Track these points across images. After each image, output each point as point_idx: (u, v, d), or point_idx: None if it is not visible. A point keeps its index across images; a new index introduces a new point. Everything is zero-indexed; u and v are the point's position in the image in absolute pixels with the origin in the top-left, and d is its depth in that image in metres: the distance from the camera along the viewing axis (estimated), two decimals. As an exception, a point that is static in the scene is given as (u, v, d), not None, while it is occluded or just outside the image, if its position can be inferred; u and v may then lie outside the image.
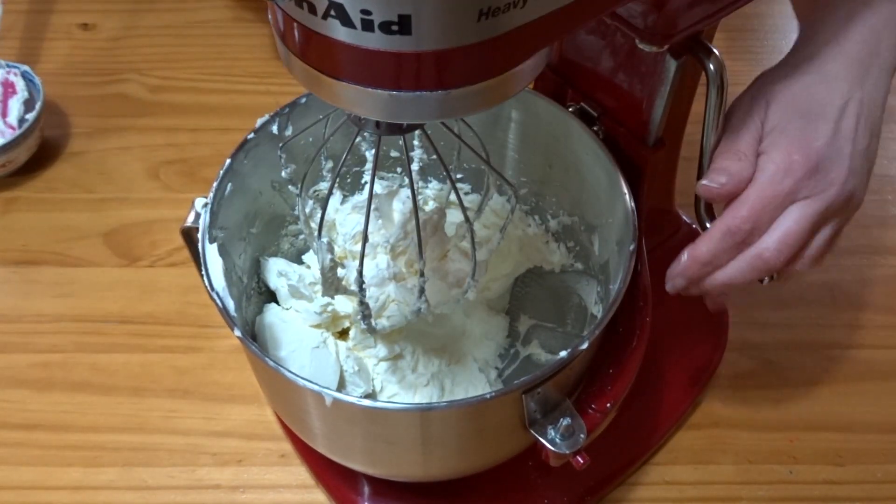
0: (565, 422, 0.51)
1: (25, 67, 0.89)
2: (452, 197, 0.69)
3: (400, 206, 0.64)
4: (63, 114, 0.93)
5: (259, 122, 0.61)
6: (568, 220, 0.68)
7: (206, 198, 0.57)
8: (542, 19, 0.37)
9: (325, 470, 0.67)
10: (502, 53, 0.37)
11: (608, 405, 0.53)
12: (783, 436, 0.70)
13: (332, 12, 0.35)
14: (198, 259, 0.55)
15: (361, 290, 0.54)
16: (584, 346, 0.50)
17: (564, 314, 0.70)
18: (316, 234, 0.58)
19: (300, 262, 0.70)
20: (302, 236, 0.70)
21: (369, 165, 0.69)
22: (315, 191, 0.67)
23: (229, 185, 0.59)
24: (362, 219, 0.62)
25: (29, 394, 0.72)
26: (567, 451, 0.51)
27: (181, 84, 0.97)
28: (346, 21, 0.35)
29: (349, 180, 0.70)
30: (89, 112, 0.94)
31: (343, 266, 0.59)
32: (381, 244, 0.62)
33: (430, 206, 0.72)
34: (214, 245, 0.55)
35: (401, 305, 0.61)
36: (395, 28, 0.34)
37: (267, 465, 0.69)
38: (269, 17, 0.39)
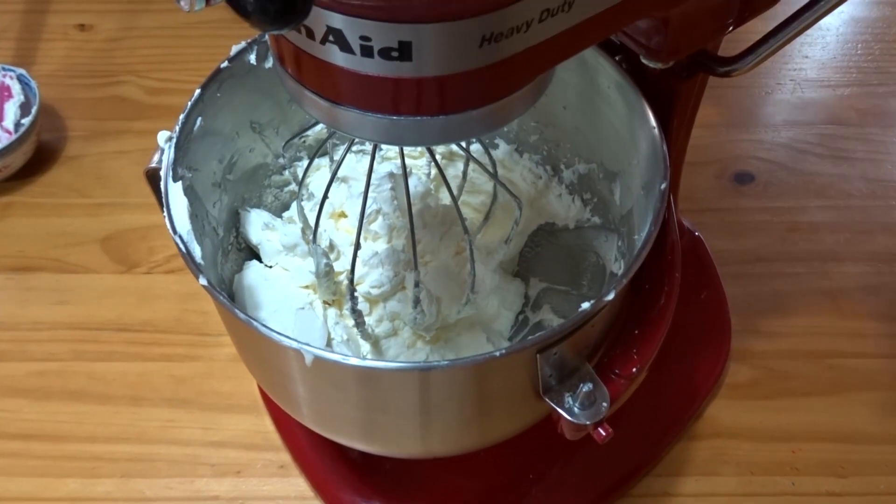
0: (585, 388, 0.45)
1: (21, 71, 0.88)
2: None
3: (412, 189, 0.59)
4: (59, 117, 0.92)
5: (234, 49, 0.54)
6: (584, 167, 0.63)
7: (171, 132, 0.51)
8: (546, 43, 0.36)
9: (324, 481, 0.66)
10: (505, 77, 0.36)
11: (634, 370, 0.47)
12: (785, 447, 0.69)
13: (331, 37, 0.34)
14: (161, 200, 0.49)
15: (353, 298, 0.53)
16: (611, 296, 0.44)
17: (579, 275, 0.65)
18: (311, 237, 0.55)
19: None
20: (287, 189, 0.66)
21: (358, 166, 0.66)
22: (302, 137, 0.63)
23: (199, 119, 0.53)
24: (371, 200, 0.58)
25: (26, 403, 0.72)
26: (587, 422, 0.45)
27: (179, 86, 0.96)
28: (345, 47, 0.34)
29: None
30: (86, 115, 0.93)
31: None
32: (389, 231, 0.58)
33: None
34: (179, 183, 0.50)
35: (401, 313, 0.59)
36: (394, 54, 0.34)
37: (266, 477, 0.68)
38: (268, 39, 0.39)
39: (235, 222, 0.62)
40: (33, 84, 0.87)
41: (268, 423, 0.70)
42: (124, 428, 0.71)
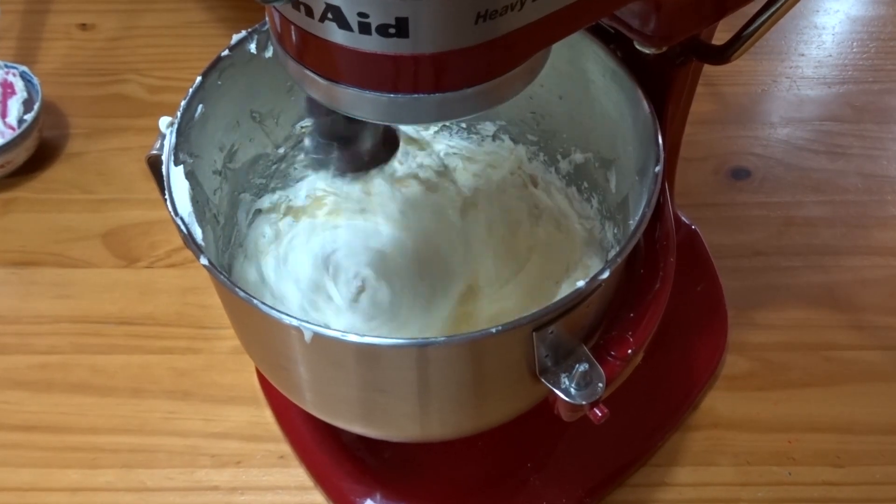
0: (581, 368, 0.46)
1: (24, 68, 0.89)
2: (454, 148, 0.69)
3: None
4: (62, 114, 0.93)
5: (235, 38, 0.55)
6: (581, 157, 0.64)
7: (173, 118, 0.52)
8: (540, 22, 0.36)
9: (323, 471, 0.67)
10: (500, 56, 0.37)
11: (629, 351, 0.48)
12: (782, 437, 0.70)
13: (329, 15, 0.34)
14: (162, 185, 0.50)
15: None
16: (606, 275, 0.45)
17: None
18: None
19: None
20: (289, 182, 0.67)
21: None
22: (302, 126, 0.64)
23: (200, 106, 0.54)
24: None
25: (28, 395, 0.72)
26: (583, 403, 0.45)
27: (180, 84, 0.96)
28: (343, 24, 0.34)
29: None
30: (88, 112, 0.94)
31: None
32: None
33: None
34: (180, 168, 0.50)
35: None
36: (392, 31, 0.34)
37: (266, 467, 0.68)
38: (266, 18, 0.39)
39: (236, 212, 0.63)
40: (36, 81, 0.88)
41: (268, 415, 0.71)
42: (125, 419, 0.71)
